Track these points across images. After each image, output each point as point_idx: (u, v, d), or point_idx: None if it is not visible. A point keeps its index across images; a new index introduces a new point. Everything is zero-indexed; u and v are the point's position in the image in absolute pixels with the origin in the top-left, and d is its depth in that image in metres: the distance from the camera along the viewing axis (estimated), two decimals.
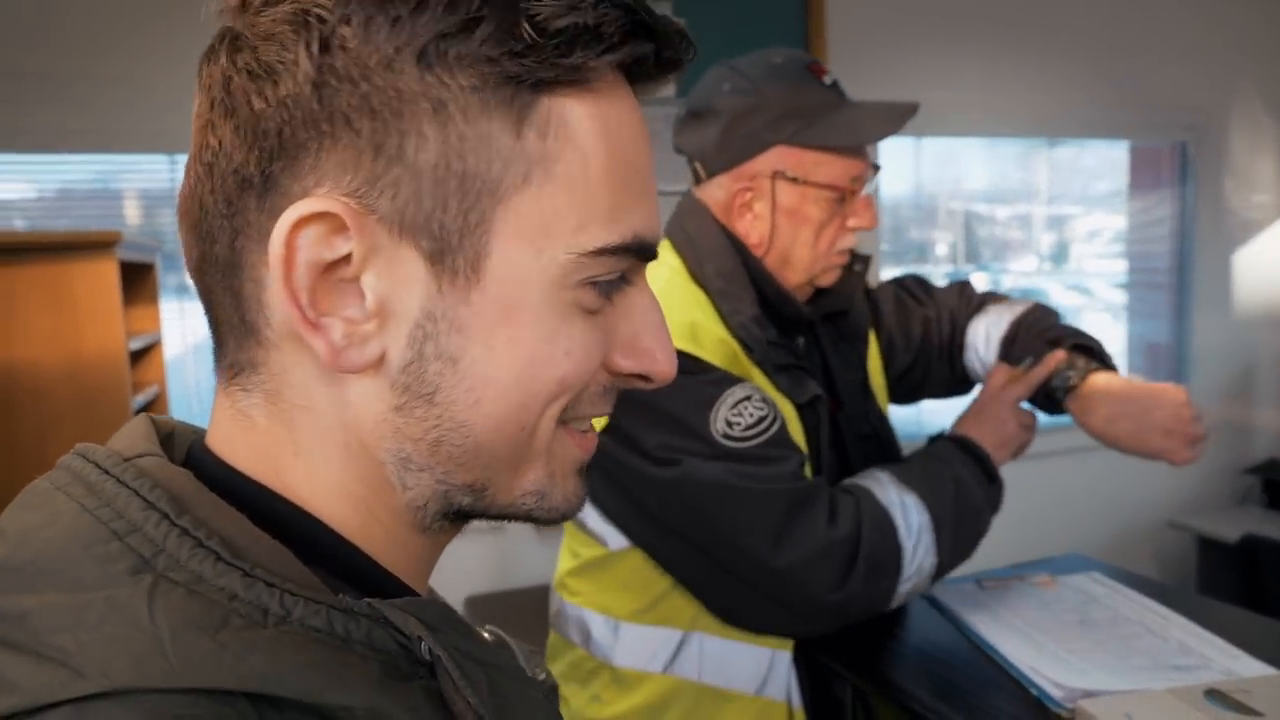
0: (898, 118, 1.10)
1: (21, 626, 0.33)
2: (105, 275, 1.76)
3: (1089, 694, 0.92)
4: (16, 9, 2.16)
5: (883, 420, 1.33)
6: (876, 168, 1.16)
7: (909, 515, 1.06)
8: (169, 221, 2.52)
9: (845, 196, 1.13)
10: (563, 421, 0.43)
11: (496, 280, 0.39)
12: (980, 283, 3.57)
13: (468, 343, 0.39)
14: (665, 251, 1.17)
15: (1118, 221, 3.50)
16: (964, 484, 1.10)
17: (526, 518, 0.44)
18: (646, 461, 1.04)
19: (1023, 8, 3.04)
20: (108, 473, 0.37)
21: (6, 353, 1.70)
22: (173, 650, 0.32)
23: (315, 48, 0.36)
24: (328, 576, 0.39)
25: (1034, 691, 0.96)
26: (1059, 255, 3.55)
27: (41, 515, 0.36)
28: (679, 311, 1.10)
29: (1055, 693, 0.93)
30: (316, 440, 0.40)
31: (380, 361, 0.39)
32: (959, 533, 1.09)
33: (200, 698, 0.32)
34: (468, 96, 0.37)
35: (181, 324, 2.47)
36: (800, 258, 1.14)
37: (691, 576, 1.09)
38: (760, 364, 1.12)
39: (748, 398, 1.05)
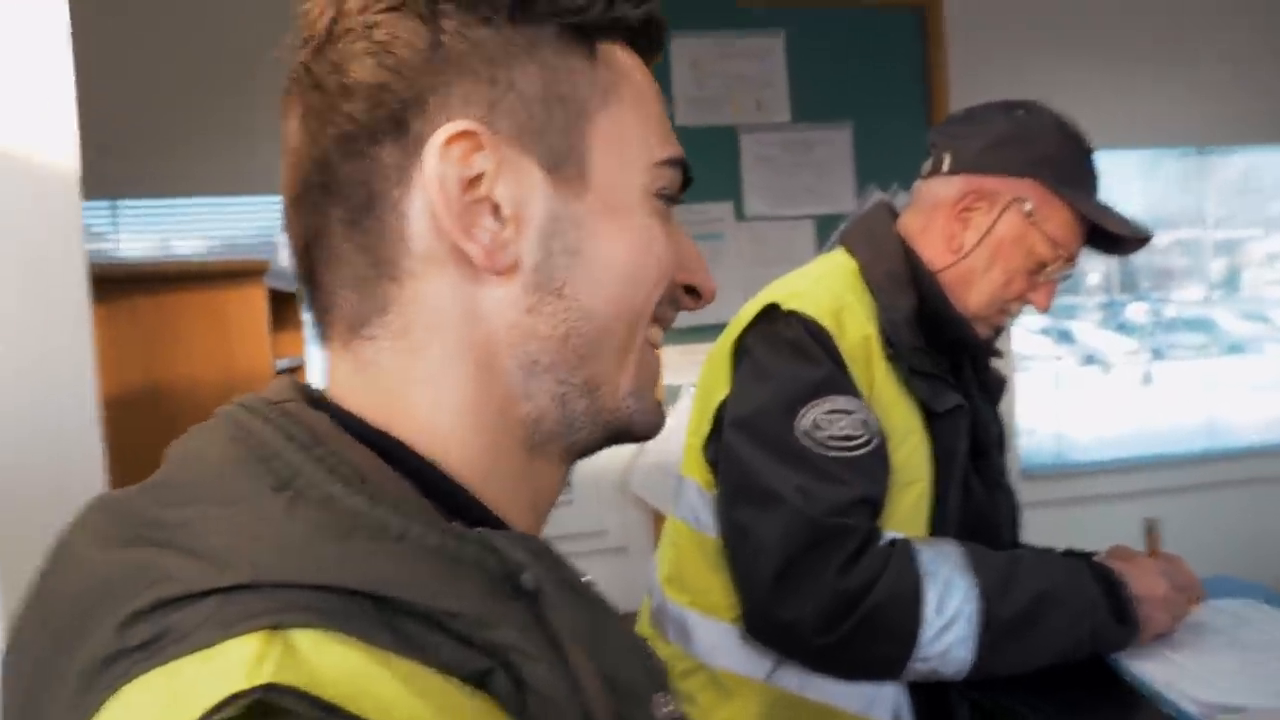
0: (1137, 230, 1.13)
1: (181, 531, 0.37)
2: (255, 301, 1.92)
3: (1228, 710, 0.84)
4: (169, 65, 2.40)
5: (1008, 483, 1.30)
6: (1073, 264, 1.17)
7: (950, 596, 0.99)
8: None
9: (1045, 266, 1.14)
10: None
11: (599, 184, 0.47)
12: (1138, 314, 3.39)
13: (586, 236, 0.46)
14: (839, 252, 1.22)
15: None
16: (1057, 603, 1.01)
17: (628, 426, 0.50)
18: (731, 416, 1.08)
19: (1161, 12, 2.88)
20: (254, 412, 0.43)
21: (171, 371, 1.87)
22: (306, 552, 0.36)
23: (429, 20, 0.44)
24: (440, 510, 0.42)
25: (1168, 710, 0.89)
26: (1230, 281, 3.31)
27: (198, 445, 0.42)
28: (834, 295, 1.11)
29: (1191, 708, 0.86)
30: (446, 361, 0.45)
31: (515, 266, 0.45)
32: (1016, 645, 1.00)
33: (328, 594, 0.35)
34: (552, 39, 0.46)
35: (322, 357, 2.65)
36: (981, 290, 1.15)
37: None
38: (897, 365, 1.11)
39: (849, 412, 1.04)
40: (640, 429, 0.50)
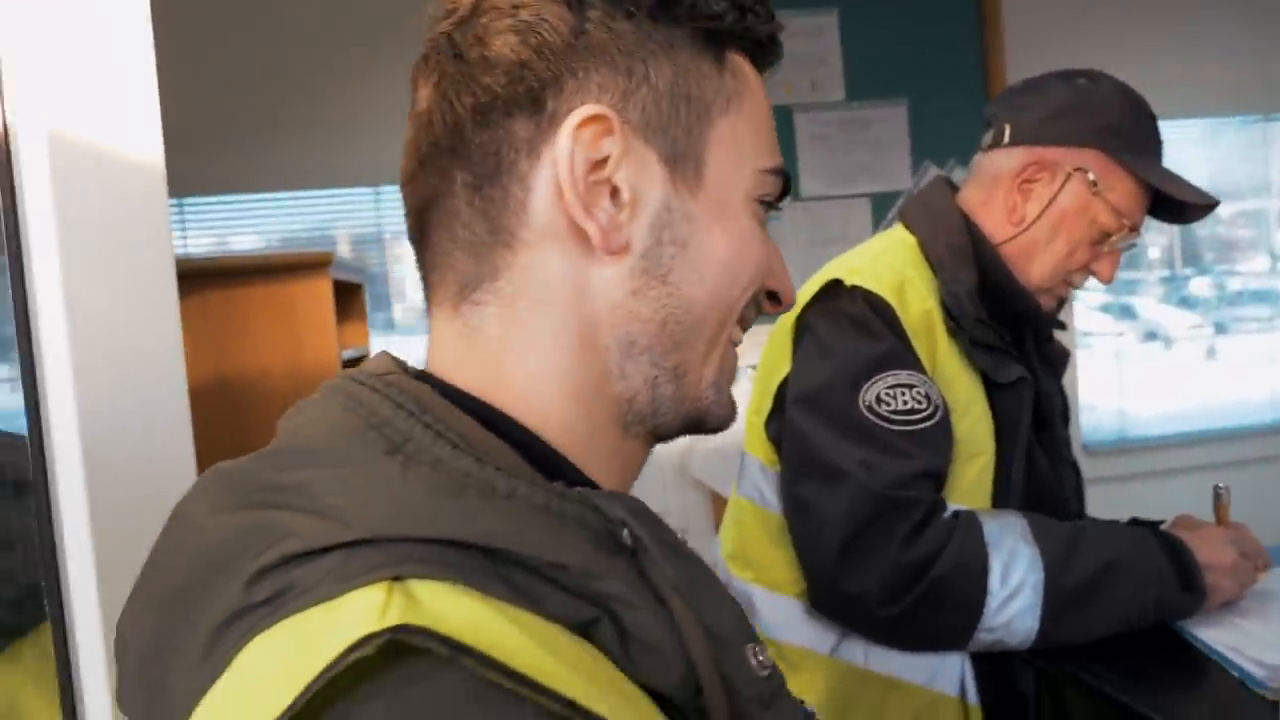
0: (1204, 196, 1.13)
1: (300, 493, 0.40)
2: (320, 292, 1.97)
3: None
4: (230, 65, 2.47)
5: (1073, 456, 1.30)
6: (1138, 233, 1.16)
7: (1014, 566, 1.00)
8: (374, 256, 2.79)
9: (1109, 236, 1.14)
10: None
11: (712, 183, 0.49)
12: (1202, 288, 3.32)
13: (695, 230, 0.48)
14: (898, 228, 1.23)
15: None
16: (1121, 571, 1.01)
17: (704, 417, 0.52)
18: (793, 393, 1.09)
19: None
20: (362, 384, 0.45)
21: (240, 361, 1.93)
22: (423, 509, 0.38)
23: (575, 6, 0.47)
24: (540, 473, 0.44)
25: (1235, 673, 0.89)
26: None
27: (310, 416, 0.45)
28: (895, 270, 1.13)
29: (1258, 672, 0.87)
30: (550, 333, 0.47)
31: (626, 249, 0.47)
32: (1080, 614, 1.01)
33: (443, 547, 0.37)
34: (687, 42, 0.49)
35: (387, 349, 2.72)
36: (1044, 261, 1.15)
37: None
38: (958, 338, 1.12)
39: (911, 386, 1.05)
40: (714, 421, 0.52)
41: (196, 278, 1.89)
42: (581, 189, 0.46)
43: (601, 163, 0.46)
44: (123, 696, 0.45)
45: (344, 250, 2.77)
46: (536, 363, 0.47)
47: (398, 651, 0.33)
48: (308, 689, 0.32)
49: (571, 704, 0.34)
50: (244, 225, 2.78)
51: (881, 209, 2.63)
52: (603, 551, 0.41)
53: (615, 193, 0.47)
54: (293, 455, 0.42)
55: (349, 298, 2.32)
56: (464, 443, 0.42)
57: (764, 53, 0.54)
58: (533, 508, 0.41)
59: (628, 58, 0.47)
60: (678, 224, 0.48)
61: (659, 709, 0.40)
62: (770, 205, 0.53)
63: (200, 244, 2.72)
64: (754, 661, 0.44)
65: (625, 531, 0.42)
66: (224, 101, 2.47)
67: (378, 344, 2.63)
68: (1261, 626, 0.97)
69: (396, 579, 0.35)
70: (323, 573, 0.36)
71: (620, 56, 0.47)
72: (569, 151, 0.45)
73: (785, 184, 0.53)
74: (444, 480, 0.40)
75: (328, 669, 0.32)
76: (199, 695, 0.37)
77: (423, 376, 0.49)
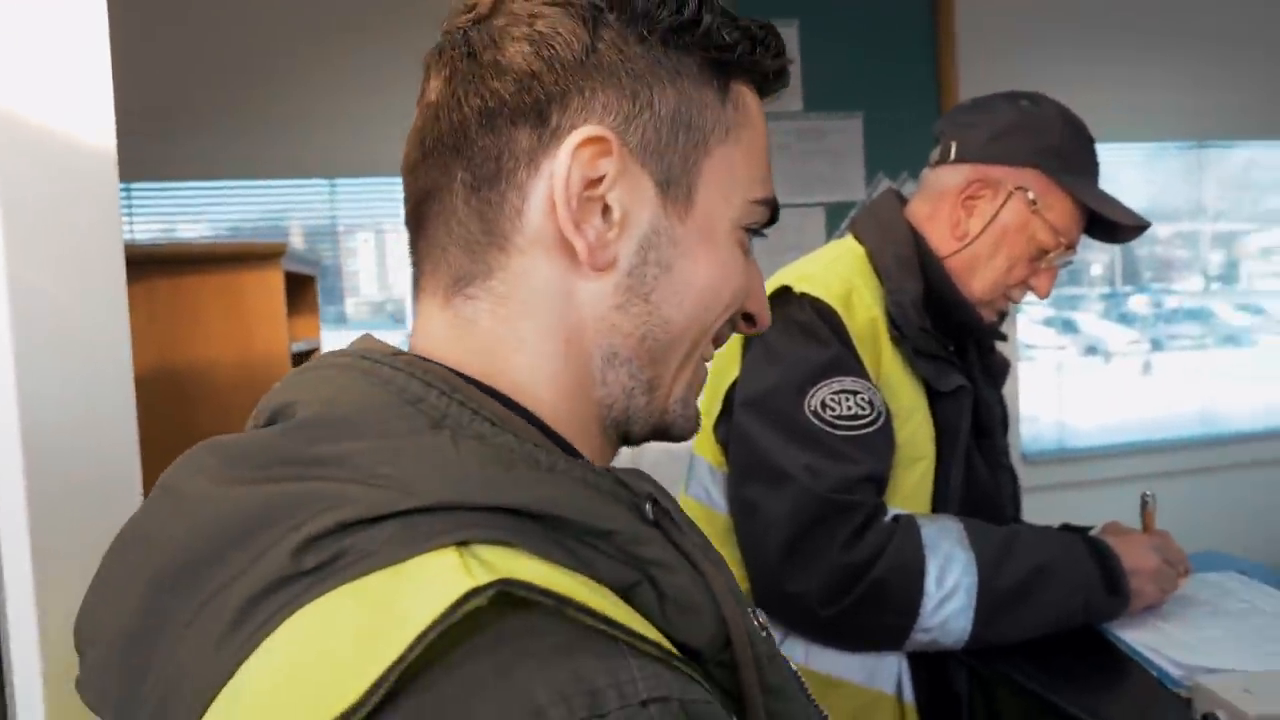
0: (1136, 218, 1.17)
1: (343, 464, 0.40)
2: (272, 283, 1.94)
3: (1210, 672, 0.89)
4: (186, 50, 2.42)
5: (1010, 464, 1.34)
6: (1074, 251, 1.21)
7: (950, 569, 1.03)
8: (327, 249, 2.76)
9: (1046, 253, 1.18)
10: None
11: (701, 211, 0.50)
12: (1140, 306, 3.43)
13: (679, 255, 0.50)
14: (848, 238, 1.26)
15: None
16: (1052, 575, 1.05)
17: (670, 428, 0.53)
18: (741, 396, 1.11)
19: (1166, 5, 2.90)
20: (379, 362, 0.45)
21: (188, 351, 1.90)
22: (479, 478, 0.39)
23: (590, 24, 0.48)
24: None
25: (1154, 672, 0.93)
26: (1228, 274, 3.35)
27: (333, 389, 0.45)
28: (843, 279, 1.16)
29: (1174, 671, 0.91)
30: (540, 335, 0.48)
31: (613, 265, 0.48)
32: (1011, 616, 1.04)
33: (500, 514, 0.39)
34: (695, 71, 0.50)
35: (339, 342, 2.68)
36: (985, 275, 1.19)
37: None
38: (902, 347, 1.14)
39: (856, 392, 1.08)
40: (679, 431, 0.54)
41: (144, 264, 1.85)
42: (574, 205, 0.47)
43: (597, 181, 0.48)
44: (89, 682, 0.44)
45: (297, 242, 2.74)
46: (528, 359, 0.49)
47: (510, 602, 0.34)
48: (421, 638, 0.32)
49: (660, 646, 0.36)
50: (194, 214, 2.73)
51: (836, 218, 2.67)
52: (638, 521, 0.43)
53: (607, 211, 0.48)
54: (327, 428, 0.42)
55: (301, 290, 2.29)
56: (498, 419, 0.44)
57: (769, 84, 0.55)
58: (574, 480, 0.42)
59: (634, 81, 0.48)
60: (664, 247, 0.50)
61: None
62: (755, 232, 0.54)
63: (148, 231, 2.66)
64: (756, 622, 0.47)
65: (649, 506, 0.44)
66: (177, 86, 2.43)
67: (329, 338, 2.60)
68: (1180, 629, 1.02)
69: (463, 543, 0.36)
70: (382, 538, 0.37)
71: (627, 79, 0.48)
72: (566, 169, 0.47)
73: (774, 213, 0.55)
74: (493, 452, 0.41)
75: (441, 619, 0.32)
76: (225, 674, 0.37)
77: (425, 360, 0.49)
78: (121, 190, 2.61)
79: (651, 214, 0.49)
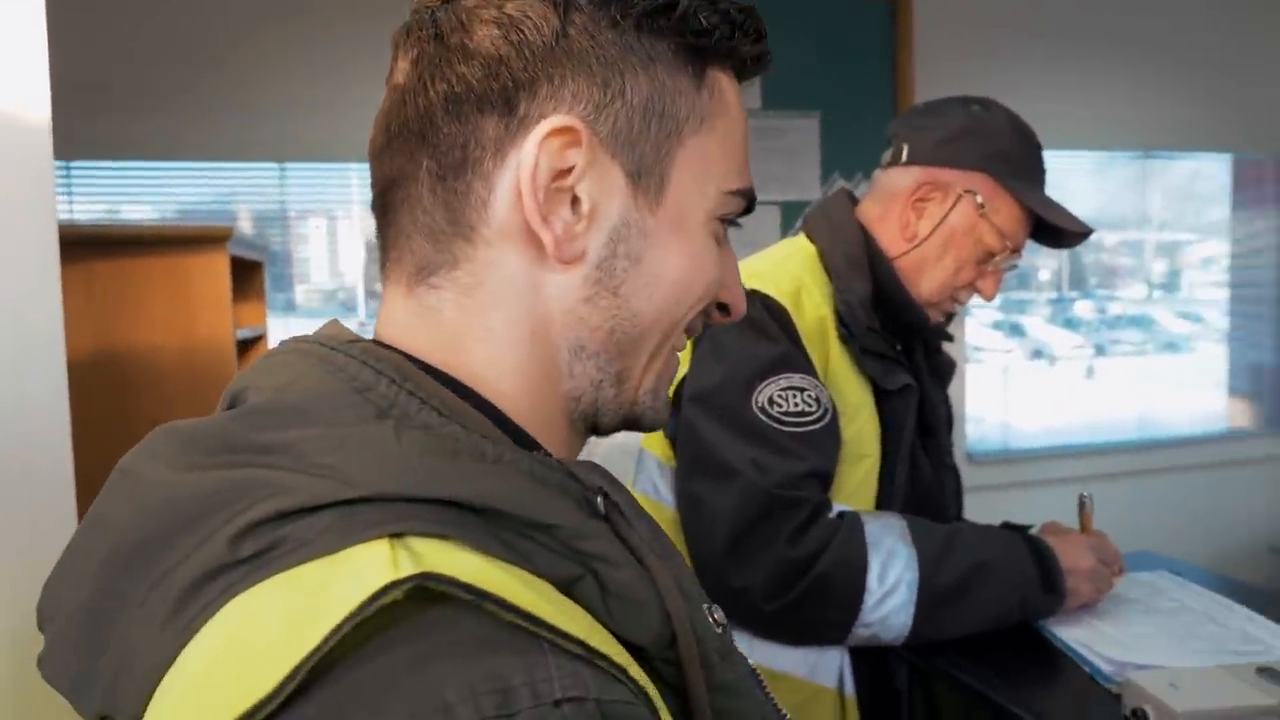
0: (1080, 224, 1.19)
1: (288, 453, 0.39)
2: (217, 267, 1.90)
3: (1139, 668, 0.91)
4: (133, 26, 2.36)
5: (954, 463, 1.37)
6: (1019, 255, 1.23)
7: (892, 565, 1.04)
8: (277, 234, 2.70)
9: (993, 256, 1.20)
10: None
11: (673, 201, 0.49)
12: (1085, 311, 3.52)
13: (649, 247, 0.48)
14: (800, 237, 1.27)
15: (1221, 240, 3.38)
16: (991, 573, 1.07)
17: (639, 419, 0.53)
18: (689, 391, 1.11)
19: (1118, 17, 2.97)
20: (335, 349, 0.45)
21: (130, 337, 1.85)
22: (420, 469, 0.39)
23: (561, 8, 0.46)
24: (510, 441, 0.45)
25: (1086, 668, 0.96)
26: (1170, 282, 3.45)
27: (289, 376, 0.44)
28: (793, 276, 1.17)
29: (1106, 668, 0.93)
30: (506, 327, 0.48)
31: (581, 258, 0.47)
32: (951, 612, 1.06)
33: (438, 506, 0.38)
34: (670, 57, 0.48)
35: (285, 330, 2.64)
36: (934, 276, 1.20)
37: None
38: (850, 345, 1.16)
39: (803, 389, 1.09)
40: (649, 422, 0.53)
41: (83, 246, 1.81)
42: (541, 197, 0.46)
43: (565, 172, 0.46)
44: (50, 660, 0.44)
45: (245, 227, 2.68)
46: (492, 350, 0.48)
47: (426, 595, 0.34)
48: (335, 631, 0.32)
49: (584, 644, 0.35)
50: (139, 195, 2.66)
51: (791, 217, 2.69)
52: (585, 515, 0.43)
53: (576, 202, 0.47)
54: (275, 415, 0.42)
55: (247, 275, 2.24)
56: (446, 409, 0.43)
57: (748, 69, 0.53)
58: (519, 472, 0.42)
59: (605, 68, 0.46)
60: (634, 239, 0.48)
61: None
62: (731, 222, 0.53)
63: (90, 212, 2.58)
64: (711, 618, 0.46)
65: (600, 499, 0.44)
66: (122, 63, 2.36)
67: (276, 325, 2.55)
68: (1113, 626, 1.04)
69: (397, 535, 0.36)
70: (319, 528, 0.36)
71: (598, 66, 0.46)
72: (534, 160, 0.45)
73: (750, 204, 0.53)
74: (437, 443, 0.41)
75: (356, 612, 0.32)
76: (169, 656, 0.37)
77: (384, 347, 0.49)
78: (61, 169, 2.52)
79: (622, 206, 0.48)
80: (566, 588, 0.40)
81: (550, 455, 0.45)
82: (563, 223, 0.47)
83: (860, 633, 1.06)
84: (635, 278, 0.48)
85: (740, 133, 0.52)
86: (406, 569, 0.34)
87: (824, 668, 1.13)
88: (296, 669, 0.32)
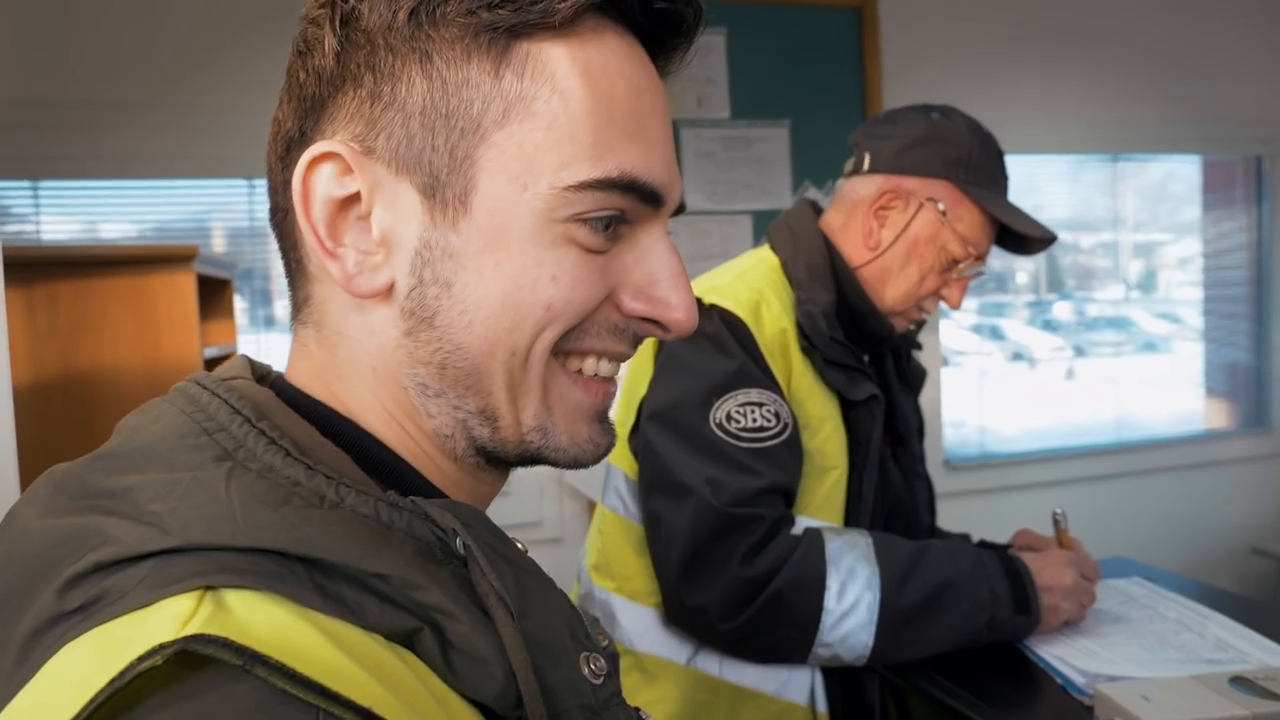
0: (1043, 230, 1.19)
1: (125, 498, 0.38)
2: (183, 286, 1.88)
3: (1112, 680, 0.90)
4: (102, 42, 2.33)
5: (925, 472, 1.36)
6: (983, 263, 1.22)
7: (851, 584, 1.02)
8: (247, 250, 2.67)
9: (957, 264, 1.19)
10: (565, 352, 0.46)
11: (484, 211, 0.42)
12: (1064, 313, 3.54)
13: (459, 268, 0.43)
14: (763, 248, 1.26)
15: (1194, 239, 3.40)
16: (957, 592, 1.04)
17: (537, 457, 0.47)
18: (648, 408, 1.11)
19: (1085, 22, 2.99)
20: (205, 388, 0.43)
21: (93, 357, 1.82)
22: (241, 517, 0.37)
23: (338, 23, 0.43)
24: (380, 482, 0.44)
25: (1059, 679, 0.94)
26: (1146, 283, 3.46)
27: (149, 417, 0.43)
28: (754, 289, 1.15)
29: (1078, 679, 0.92)
30: (352, 365, 0.46)
31: (390, 290, 0.44)
32: (913, 631, 1.03)
33: (260, 556, 0.37)
34: (451, 46, 0.42)
35: (258, 349, 2.60)
36: (897, 285, 1.19)
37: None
38: (812, 357, 1.14)
39: (761, 404, 1.07)
40: (556, 460, 0.47)
41: (45, 266, 1.78)
42: (323, 231, 0.43)
43: (351, 200, 0.43)
44: None
45: (219, 243, 2.65)
46: (350, 387, 0.47)
47: (190, 662, 0.32)
48: (93, 700, 0.31)
49: (367, 712, 0.33)
50: (110, 213, 2.62)
51: (763, 226, 2.68)
52: (429, 561, 0.40)
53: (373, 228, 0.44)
54: (121, 459, 0.41)
55: (216, 294, 2.22)
56: (297, 450, 0.41)
57: (656, 25, 0.45)
58: (359, 517, 0.40)
59: (375, 77, 0.42)
60: (439, 262, 0.43)
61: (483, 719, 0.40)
62: (613, 223, 0.44)
63: (59, 231, 2.55)
64: (586, 670, 0.43)
65: (459, 541, 0.41)
66: (89, 81, 2.33)
67: (249, 342, 2.52)
68: (1085, 636, 1.03)
69: (209, 588, 0.35)
70: (136, 580, 0.35)
71: (370, 78, 0.42)
72: (300, 193, 0.43)
73: (640, 192, 0.44)
74: (267, 489, 0.39)
75: (114, 681, 0.31)
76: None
77: (273, 383, 0.48)
78: (28, 187, 2.47)
79: (419, 227, 0.43)
80: (406, 640, 0.38)
81: (412, 497, 0.42)
82: (356, 254, 0.44)
83: (820, 653, 1.04)
84: (449, 305, 0.43)
85: (586, 110, 0.42)
86: (191, 628, 0.33)
87: (794, 684, 1.12)
88: None
